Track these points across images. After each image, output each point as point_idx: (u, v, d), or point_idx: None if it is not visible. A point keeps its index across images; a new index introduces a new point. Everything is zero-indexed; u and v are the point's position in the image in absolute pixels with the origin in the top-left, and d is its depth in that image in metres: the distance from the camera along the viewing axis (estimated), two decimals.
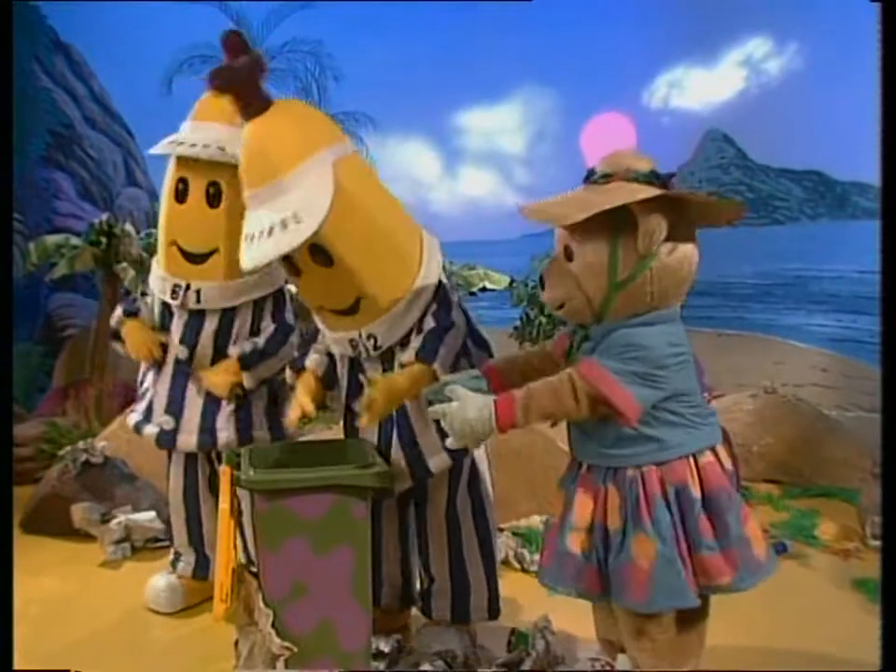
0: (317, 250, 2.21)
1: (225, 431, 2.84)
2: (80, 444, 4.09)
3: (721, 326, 6.75)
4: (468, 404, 1.91)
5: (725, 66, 7.83)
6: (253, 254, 2.14)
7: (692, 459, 1.97)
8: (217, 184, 2.65)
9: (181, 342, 2.82)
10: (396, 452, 2.39)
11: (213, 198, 2.66)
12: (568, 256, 2.00)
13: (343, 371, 2.50)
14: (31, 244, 6.42)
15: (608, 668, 2.17)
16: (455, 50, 7.64)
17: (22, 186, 7.06)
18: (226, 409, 2.85)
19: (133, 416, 2.98)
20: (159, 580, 3.00)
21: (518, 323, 6.68)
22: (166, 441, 2.87)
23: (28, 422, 5.24)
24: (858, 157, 6.47)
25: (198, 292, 2.73)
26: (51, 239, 6.48)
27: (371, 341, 2.33)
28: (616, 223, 1.91)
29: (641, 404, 1.89)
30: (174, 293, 2.75)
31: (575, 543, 2.04)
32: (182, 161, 2.69)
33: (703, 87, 7.90)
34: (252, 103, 2.18)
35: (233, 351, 2.81)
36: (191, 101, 2.87)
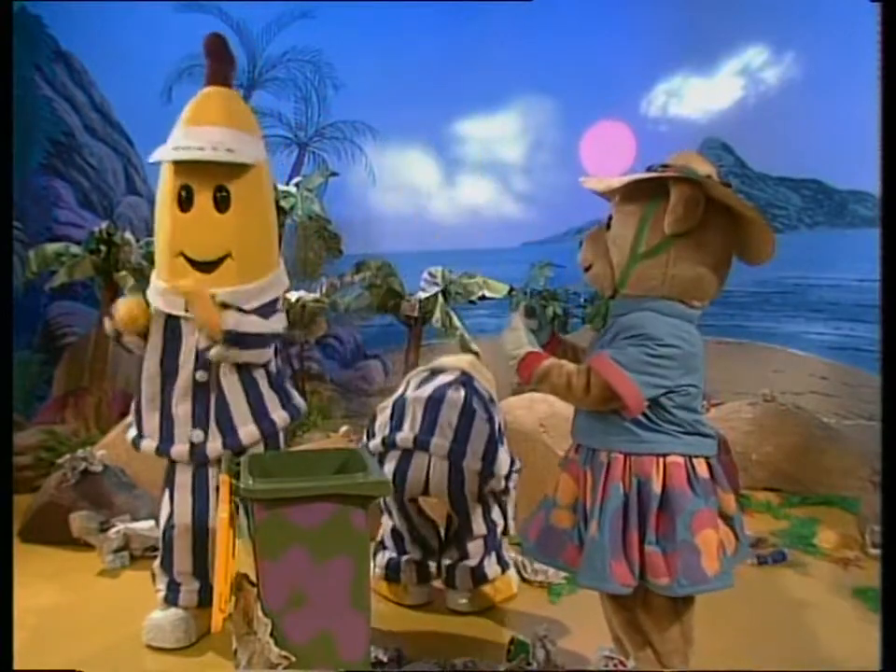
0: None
1: (244, 426, 2.76)
2: (79, 453, 4.09)
3: (720, 334, 6.75)
4: (513, 338, 2.20)
5: (723, 75, 7.85)
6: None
7: (660, 458, 2.04)
8: (225, 188, 2.61)
9: (198, 364, 2.70)
10: None
11: (221, 203, 2.61)
12: (609, 225, 2.18)
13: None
14: (30, 252, 6.41)
15: (620, 668, 2.19)
16: (454, 60, 7.64)
17: (22, 194, 7.06)
18: (238, 405, 2.76)
19: (148, 441, 2.82)
20: (161, 616, 2.81)
21: None
22: (200, 455, 2.75)
23: (27, 430, 5.23)
24: (856, 165, 6.49)
25: (212, 298, 2.63)
26: (51, 247, 6.47)
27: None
28: (652, 200, 2.06)
29: (645, 394, 1.99)
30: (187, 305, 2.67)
31: (558, 519, 2.18)
32: (182, 167, 2.61)
33: (701, 95, 7.91)
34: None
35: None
36: None
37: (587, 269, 2.22)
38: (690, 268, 2.05)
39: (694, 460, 2.07)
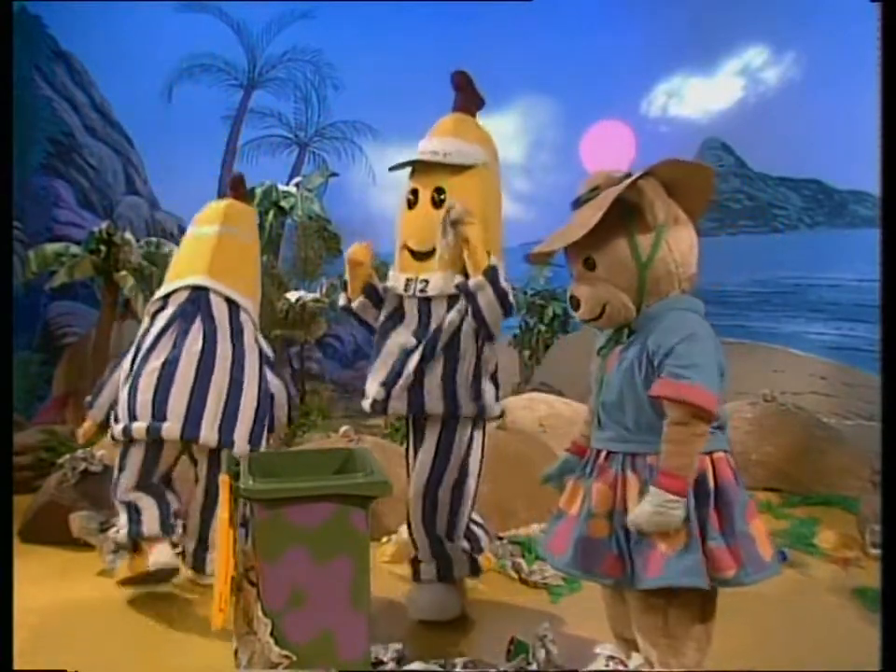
0: (440, 193, 2.92)
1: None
2: (79, 453, 4.08)
3: (720, 334, 6.75)
4: (646, 510, 1.97)
5: (723, 75, 7.86)
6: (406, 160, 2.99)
7: (708, 455, 2.05)
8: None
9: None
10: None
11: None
12: (590, 267, 2.16)
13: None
14: (30, 252, 6.42)
15: (621, 667, 2.18)
16: (454, 60, 7.65)
17: (22, 194, 7.07)
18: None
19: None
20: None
21: (517, 331, 6.69)
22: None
23: (27, 430, 5.23)
24: (856, 165, 6.50)
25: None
26: (51, 247, 6.48)
27: (423, 284, 2.94)
28: (623, 216, 2.09)
29: (717, 395, 2.00)
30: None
31: (595, 530, 2.11)
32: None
33: (701, 96, 7.93)
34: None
35: None
36: (191, 109, 2.89)
37: (599, 315, 2.17)
38: (685, 240, 2.14)
39: (728, 455, 2.09)
